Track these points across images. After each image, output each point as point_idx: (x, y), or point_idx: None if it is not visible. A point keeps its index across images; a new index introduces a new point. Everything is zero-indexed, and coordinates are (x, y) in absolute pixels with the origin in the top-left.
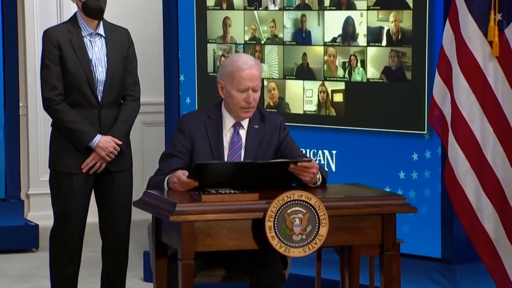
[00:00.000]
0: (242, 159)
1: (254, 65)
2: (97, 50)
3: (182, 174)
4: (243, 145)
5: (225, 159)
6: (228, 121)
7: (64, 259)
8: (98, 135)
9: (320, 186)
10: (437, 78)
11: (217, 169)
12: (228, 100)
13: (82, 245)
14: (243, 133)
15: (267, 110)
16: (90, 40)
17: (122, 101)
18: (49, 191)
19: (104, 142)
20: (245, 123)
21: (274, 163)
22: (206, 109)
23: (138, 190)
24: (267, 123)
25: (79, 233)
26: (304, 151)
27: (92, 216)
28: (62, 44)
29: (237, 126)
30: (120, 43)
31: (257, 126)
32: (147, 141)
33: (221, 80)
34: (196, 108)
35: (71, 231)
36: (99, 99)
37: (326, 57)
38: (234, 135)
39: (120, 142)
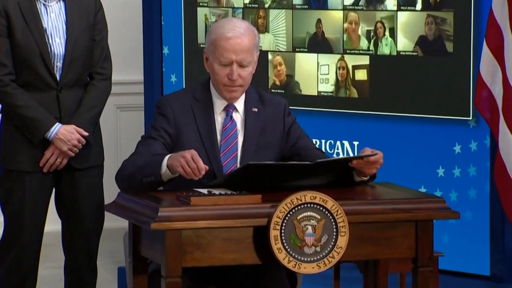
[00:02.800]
0: (239, 149)
1: (243, 34)
2: (53, 17)
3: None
4: (239, 132)
5: (220, 150)
6: (218, 103)
7: (17, 277)
8: (57, 123)
9: (338, 186)
10: (485, 50)
11: (267, 172)
12: (212, 76)
13: (38, 260)
14: (237, 117)
15: (273, 91)
16: (44, 5)
17: (89, 81)
18: None
19: (66, 133)
20: (239, 105)
21: (337, 160)
22: (190, 89)
23: (112, 191)
24: (268, 106)
25: (35, 245)
26: (317, 143)
27: (55, 224)
28: (10, 11)
29: (229, 109)
30: (84, 8)
31: (256, 109)
32: (123, 129)
33: (206, 50)
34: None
35: (24, 243)
36: (57, 78)
37: (346, 25)
38: (226, 120)
39: (86, 133)
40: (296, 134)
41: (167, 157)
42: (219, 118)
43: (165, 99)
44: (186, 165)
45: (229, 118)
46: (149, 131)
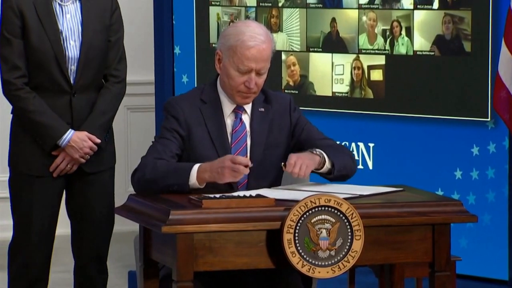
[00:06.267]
0: (248, 150)
1: (263, 42)
2: (69, 18)
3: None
4: (248, 133)
5: (231, 152)
6: (227, 105)
7: (25, 281)
8: (69, 130)
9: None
10: (504, 50)
11: None
12: (224, 78)
13: (49, 263)
14: (246, 119)
15: (286, 91)
16: (60, 5)
17: (103, 82)
18: (8, 194)
19: (78, 141)
20: (248, 106)
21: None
22: (197, 91)
23: (122, 193)
24: (274, 104)
25: (44, 249)
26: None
27: (64, 227)
28: (25, 11)
29: (238, 111)
30: (100, 7)
31: (262, 109)
32: (133, 130)
33: (220, 51)
34: None
35: (33, 246)
36: (71, 81)
37: (364, 18)
38: (236, 122)
39: (98, 141)
40: (301, 127)
41: (195, 168)
42: (228, 120)
43: (174, 101)
44: (233, 171)
45: (238, 120)
46: (162, 131)
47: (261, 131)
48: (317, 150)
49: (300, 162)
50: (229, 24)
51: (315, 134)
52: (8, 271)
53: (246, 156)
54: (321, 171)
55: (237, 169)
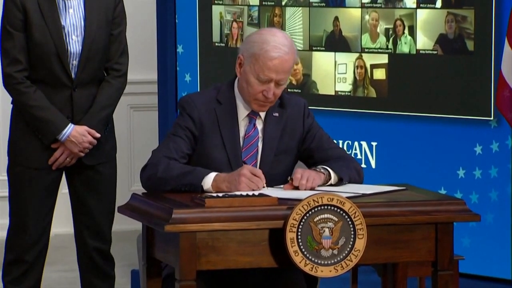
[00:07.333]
0: (259, 155)
1: (287, 53)
2: (71, 13)
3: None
4: (260, 139)
5: (241, 156)
6: (242, 109)
7: (16, 273)
8: (69, 125)
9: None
10: (507, 49)
11: None
12: (243, 84)
13: (43, 260)
14: (259, 123)
15: (289, 90)
16: (63, 0)
17: (104, 75)
18: (7, 194)
19: (78, 136)
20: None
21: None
22: (213, 90)
23: (125, 192)
24: (289, 109)
25: (40, 242)
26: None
27: (67, 226)
28: (27, 5)
29: (253, 115)
30: (104, 2)
31: (277, 114)
32: (136, 129)
33: (242, 55)
34: (199, 88)
35: (29, 239)
36: (73, 76)
37: (367, 17)
38: (249, 127)
39: (98, 135)
40: (312, 134)
41: (211, 176)
42: (242, 124)
43: (191, 99)
44: (250, 182)
45: (252, 125)
46: (175, 128)
47: (273, 137)
48: (321, 167)
49: (307, 175)
50: (232, 24)
51: (325, 142)
52: (2, 267)
53: (256, 161)
54: (326, 185)
55: (255, 182)
